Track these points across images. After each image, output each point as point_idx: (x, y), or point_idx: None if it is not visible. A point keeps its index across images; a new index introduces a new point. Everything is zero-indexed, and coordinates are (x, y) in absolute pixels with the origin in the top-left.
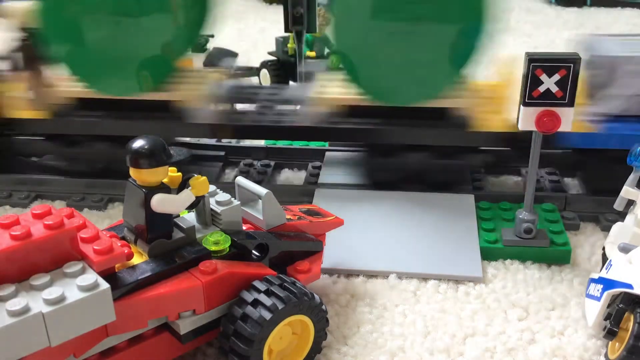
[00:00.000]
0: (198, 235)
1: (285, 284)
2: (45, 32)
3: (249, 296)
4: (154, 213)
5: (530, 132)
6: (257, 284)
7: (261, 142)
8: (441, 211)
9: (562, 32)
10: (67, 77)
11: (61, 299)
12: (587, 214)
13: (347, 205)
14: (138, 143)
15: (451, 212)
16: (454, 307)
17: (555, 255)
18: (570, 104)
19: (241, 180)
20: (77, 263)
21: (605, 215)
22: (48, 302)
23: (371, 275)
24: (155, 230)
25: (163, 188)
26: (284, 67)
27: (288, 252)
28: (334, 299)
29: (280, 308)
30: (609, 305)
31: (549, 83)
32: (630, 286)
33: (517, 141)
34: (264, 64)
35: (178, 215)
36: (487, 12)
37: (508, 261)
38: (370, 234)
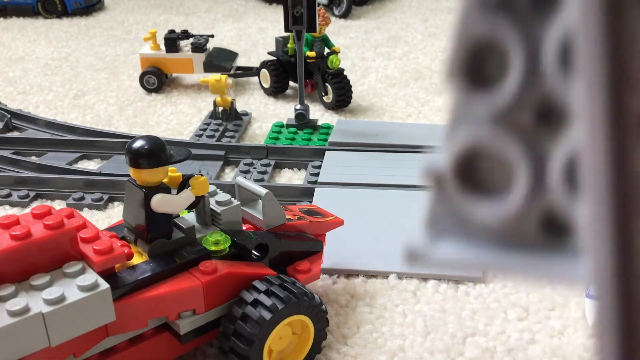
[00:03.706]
0: (198, 235)
1: (285, 284)
2: None
3: (249, 296)
4: (154, 213)
5: None
6: (257, 284)
7: (261, 142)
8: None
9: None
10: None
11: (61, 299)
12: None
13: (347, 205)
14: (138, 143)
15: None
16: (454, 307)
17: None
18: None
19: (241, 180)
20: (77, 263)
21: None
22: (48, 302)
23: (371, 275)
24: (155, 230)
25: (163, 188)
26: (284, 67)
27: (288, 252)
28: (334, 299)
29: (280, 308)
30: None
31: None
32: None
33: None
34: (264, 64)
35: (178, 215)
36: None
37: None
38: (370, 234)
